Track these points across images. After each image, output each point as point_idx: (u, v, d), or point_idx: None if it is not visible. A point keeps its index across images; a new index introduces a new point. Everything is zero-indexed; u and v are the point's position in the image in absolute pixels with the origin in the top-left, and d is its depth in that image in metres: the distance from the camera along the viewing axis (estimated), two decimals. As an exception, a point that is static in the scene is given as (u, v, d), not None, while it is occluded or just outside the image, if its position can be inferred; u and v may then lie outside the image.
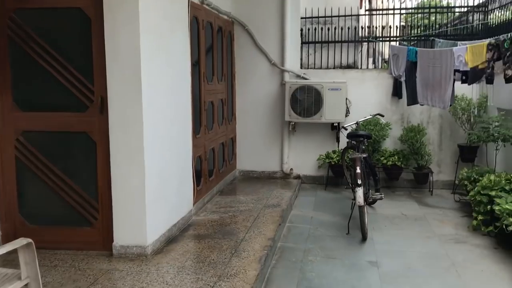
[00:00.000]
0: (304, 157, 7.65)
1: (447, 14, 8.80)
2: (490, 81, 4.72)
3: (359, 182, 4.99)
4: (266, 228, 5.10)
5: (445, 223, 5.77)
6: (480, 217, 5.24)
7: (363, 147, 5.78)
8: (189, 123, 5.35)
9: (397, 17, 8.68)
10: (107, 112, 4.19)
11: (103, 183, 4.30)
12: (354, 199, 5.20)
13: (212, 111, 6.36)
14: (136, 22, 4.03)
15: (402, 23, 10.98)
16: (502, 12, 6.98)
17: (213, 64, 6.41)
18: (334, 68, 7.65)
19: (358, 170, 5.09)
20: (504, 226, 4.40)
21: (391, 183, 7.44)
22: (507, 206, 4.49)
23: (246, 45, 7.48)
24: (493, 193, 5.11)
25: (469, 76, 5.31)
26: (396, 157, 7.16)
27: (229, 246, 4.53)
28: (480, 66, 4.85)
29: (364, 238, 5.13)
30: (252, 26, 7.38)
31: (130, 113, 4.12)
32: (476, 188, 5.34)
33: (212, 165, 6.42)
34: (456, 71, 5.38)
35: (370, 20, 7.72)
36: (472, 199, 5.36)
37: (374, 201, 5.83)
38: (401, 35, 7.68)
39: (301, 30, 7.57)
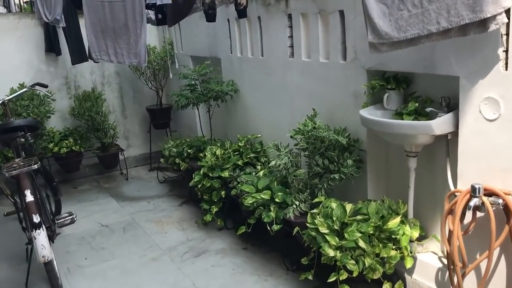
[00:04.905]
0: None
1: None
2: (211, 17, 3.14)
3: (36, 220, 2.67)
4: None
5: (165, 224, 4.17)
6: (214, 208, 3.85)
7: (27, 146, 3.37)
8: None
9: None
10: None
11: None
12: (30, 243, 2.91)
13: None
14: None
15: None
16: None
17: None
18: None
19: (30, 198, 2.73)
20: (268, 227, 3.07)
21: (70, 175, 5.31)
22: (263, 196, 3.17)
23: None
24: (225, 174, 3.76)
25: (169, 14, 3.62)
26: (72, 140, 5.01)
27: None
28: (192, -5, 3.20)
29: (61, 303, 2.97)
30: None
31: None
32: (201, 170, 3.88)
33: None
34: (148, 6, 3.62)
35: None
36: (198, 185, 3.90)
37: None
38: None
39: None
